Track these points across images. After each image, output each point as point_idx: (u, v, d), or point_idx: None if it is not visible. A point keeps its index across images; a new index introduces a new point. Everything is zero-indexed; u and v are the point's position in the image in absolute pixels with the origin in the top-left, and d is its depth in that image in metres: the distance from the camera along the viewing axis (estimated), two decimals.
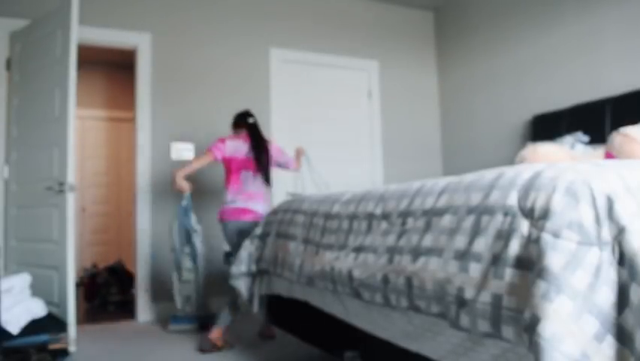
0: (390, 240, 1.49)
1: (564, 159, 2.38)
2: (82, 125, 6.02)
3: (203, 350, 2.91)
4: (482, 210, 1.19)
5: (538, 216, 1.04)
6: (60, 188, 3.11)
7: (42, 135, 3.34)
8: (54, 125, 3.24)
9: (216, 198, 3.82)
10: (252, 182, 3.18)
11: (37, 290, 3.03)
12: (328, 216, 1.93)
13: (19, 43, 3.60)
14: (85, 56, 3.93)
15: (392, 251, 1.46)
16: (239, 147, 3.19)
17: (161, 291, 3.86)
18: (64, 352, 2.68)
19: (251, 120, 3.32)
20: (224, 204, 3.16)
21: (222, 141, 3.19)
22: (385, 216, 1.58)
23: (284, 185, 4.40)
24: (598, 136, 3.28)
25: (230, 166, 3.18)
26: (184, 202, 3.30)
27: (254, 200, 3.15)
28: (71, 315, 2.97)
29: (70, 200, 3.09)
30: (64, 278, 3.04)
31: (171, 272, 3.49)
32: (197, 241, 3.39)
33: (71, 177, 3.09)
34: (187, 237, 3.39)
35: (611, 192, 0.99)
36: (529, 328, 0.94)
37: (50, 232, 3.19)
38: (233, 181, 3.16)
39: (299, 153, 3.58)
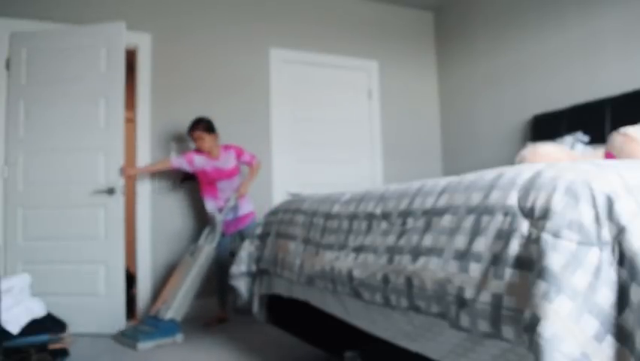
0: (390, 240, 1.49)
1: (564, 159, 2.38)
2: None
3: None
4: (482, 210, 1.19)
5: (538, 216, 1.04)
6: (110, 191, 3.48)
7: (81, 141, 3.57)
8: (99, 132, 3.57)
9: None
10: None
11: (77, 284, 3.42)
12: (328, 216, 1.93)
13: (26, 47, 3.65)
14: None
15: (392, 251, 1.46)
16: None
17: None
18: (64, 352, 2.68)
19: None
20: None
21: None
22: (385, 216, 1.58)
23: (284, 185, 4.41)
24: (598, 136, 3.28)
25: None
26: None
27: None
28: (122, 301, 3.44)
29: (121, 201, 3.49)
30: (117, 271, 3.45)
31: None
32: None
33: (121, 181, 3.52)
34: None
35: (611, 192, 0.99)
36: (530, 328, 0.94)
37: (95, 229, 3.48)
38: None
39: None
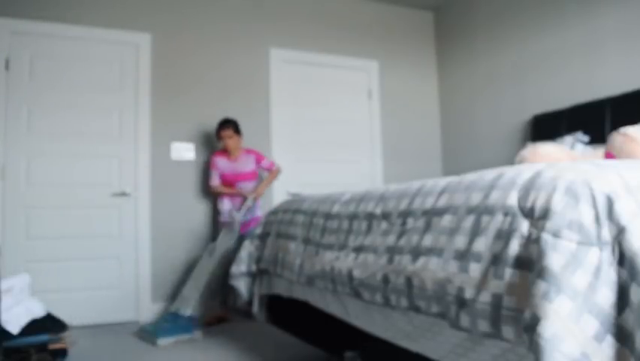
0: (391, 240, 1.49)
1: (564, 159, 2.38)
2: None
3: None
4: (482, 210, 1.19)
5: (538, 216, 1.04)
6: (125, 194, 3.87)
7: (94, 148, 3.84)
8: (114, 141, 3.90)
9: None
10: None
11: (95, 277, 3.76)
12: (328, 216, 1.93)
13: (28, 49, 3.70)
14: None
15: (392, 251, 1.45)
16: None
17: (161, 291, 3.87)
18: (64, 352, 2.68)
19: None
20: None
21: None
22: (385, 216, 1.58)
23: (284, 185, 4.41)
24: (598, 136, 3.28)
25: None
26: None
27: None
28: (133, 292, 3.86)
29: (133, 203, 3.90)
30: (134, 265, 3.89)
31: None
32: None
33: (131, 186, 3.91)
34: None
35: (611, 192, 0.99)
36: (530, 328, 0.94)
37: (110, 228, 3.84)
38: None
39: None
